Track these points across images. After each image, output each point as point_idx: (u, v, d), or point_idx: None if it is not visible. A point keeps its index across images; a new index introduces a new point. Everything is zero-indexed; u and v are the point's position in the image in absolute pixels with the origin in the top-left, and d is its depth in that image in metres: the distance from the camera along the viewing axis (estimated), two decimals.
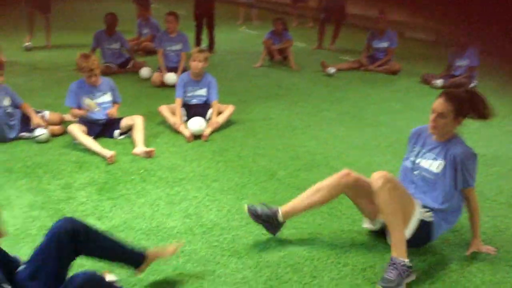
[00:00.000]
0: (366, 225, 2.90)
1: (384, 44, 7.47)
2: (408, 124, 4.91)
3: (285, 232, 2.90)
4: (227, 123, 4.81)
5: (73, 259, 2.11)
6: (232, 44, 9.40)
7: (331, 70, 7.12)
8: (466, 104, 2.56)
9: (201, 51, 4.80)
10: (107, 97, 4.40)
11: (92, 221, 2.99)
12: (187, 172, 3.78)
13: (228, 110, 4.81)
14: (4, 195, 3.33)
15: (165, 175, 3.71)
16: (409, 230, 2.60)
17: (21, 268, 2.00)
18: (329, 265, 2.63)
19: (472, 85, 6.41)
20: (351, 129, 4.90)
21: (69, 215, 2.99)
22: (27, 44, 8.17)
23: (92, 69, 4.20)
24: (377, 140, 4.61)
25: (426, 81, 6.75)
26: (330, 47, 9.27)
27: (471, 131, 2.68)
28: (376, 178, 2.52)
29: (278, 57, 7.78)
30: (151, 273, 2.50)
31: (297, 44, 8.95)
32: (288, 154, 4.21)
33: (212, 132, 4.56)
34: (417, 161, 2.75)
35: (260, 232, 2.90)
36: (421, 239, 2.69)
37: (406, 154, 2.86)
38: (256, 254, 2.72)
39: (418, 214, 2.61)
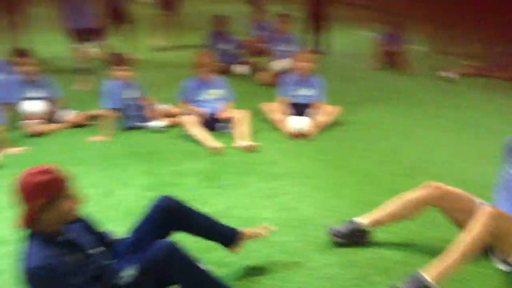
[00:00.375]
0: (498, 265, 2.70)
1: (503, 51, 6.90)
2: None
3: (379, 235, 2.86)
4: (332, 124, 4.84)
5: (168, 233, 2.31)
6: (346, 46, 9.35)
7: (449, 74, 6.76)
8: None
9: (308, 51, 4.89)
10: (218, 94, 4.68)
11: (194, 205, 3.23)
12: (286, 168, 3.89)
13: (334, 111, 4.83)
14: (124, 175, 3.74)
15: (265, 169, 3.87)
16: None
17: (121, 238, 2.27)
18: None
19: None
20: (464, 137, 4.63)
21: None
22: (158, 44, 8.93)
23: (204, 65, 4.50)
24: (491, 151, 4.29)
25: None
26: (449, 50, 8.77)
27: None
28: (483, 213, 2.29)
29: (392, 59, 7.58)
30: (243, 258, 2.64)
31: (416, 47, 8.61)
32: (390, 158, 4.11)
33: (316, 131, 4.61)
34: None
35: None
36: None
37: (503, 164, 2.65)
38: (346, 252, 2.73)
39: None
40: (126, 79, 4.64)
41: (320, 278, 2.51)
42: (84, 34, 5.87)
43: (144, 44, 8.95)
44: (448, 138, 4.61)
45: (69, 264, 1.81)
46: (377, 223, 2.76)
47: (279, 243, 2.83)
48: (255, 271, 2.56)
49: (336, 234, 2.78)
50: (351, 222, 2.79)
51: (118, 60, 4.62)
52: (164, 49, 8.86)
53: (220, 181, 3.65)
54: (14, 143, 4.31)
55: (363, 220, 2.76)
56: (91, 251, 1.99)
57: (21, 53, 4.64)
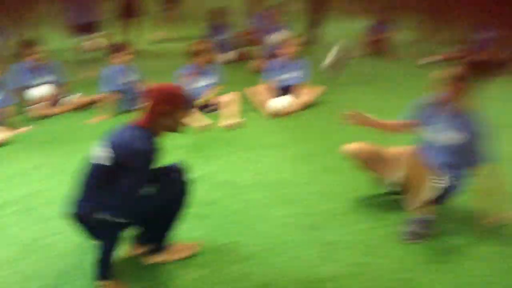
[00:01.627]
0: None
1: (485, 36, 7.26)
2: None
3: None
4: (314, 103, 5.25)
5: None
6: (340, 36, 9.73)
7: (429, 60, 7.16)
8: None
9: (295, 37, 5.27)
10: (210, 81, 5.09)
11: None
12: (265, 141, 4.33)
13: (316, 92, 5.23)
14: None
15: (247, 142, 4.31)
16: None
17: None
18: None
19: None
20: None
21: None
22: (160, 35, 9.44)
23: (199, 54, 4.90)
24: None
25: None
26: (434, 38, 9.12)
27: None
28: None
29: (378, 47, 7.98)
30: (218, 210, 3.08)
31: (403, 36, 8.98)
32: (362, 131, 4.49)
33: (297, 110, 5.03)
34: None
35: (316, 190, 3.35)
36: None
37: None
38: (304, 205, 3.18)
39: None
40: (125, 64, 5.06)
41: (277, 225, 2.96)
42: (86, 28, 6.34)
43: (147, 35, 9.42)
44: None
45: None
46: None
47: (248, 200, 3.28)
48: (223, 219, 3.01)
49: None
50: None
51: (117, 47, 5.05)
52: (165, 40, 9.33)
53: (205, 152, 4.10)
54: (20, 124, 4.77)
55: None
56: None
57: (28, 43, 5.10)
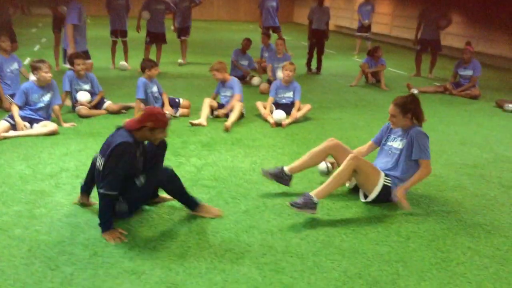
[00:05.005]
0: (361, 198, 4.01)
1: (469, 72, 8.28)
2: (457, 132, 5.99)
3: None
4: (304, 118, 6.33)
5: None
6: (338, 69, 10.90)
7: (415, 90, 8.18)
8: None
9: (291, 63, 6.42)
10: (229, 92, 6.25)
11: (194, 159, 4.74)
12: (263, 142, 5.38)
13: (306, 108, 6.32)
14: None
15: (247, 142, 5.36)
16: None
17: None
18: None
19: None
20: None
21: (182, 155, 4.80)
22: (180, 61, 10.76)
23: (217, 69, 6.10)
24: None
25: (499, 105, 7.45)
26: (428, 75, 10.19)
27: None
28: (348, 157, 3.67)
29: (372, 79, 9.07)
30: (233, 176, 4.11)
31: (397, 71, 10.07)
32: (342, 140, 5.53)
33: (291, 122, 6.10)
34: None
35: (298, 175, 4.36)
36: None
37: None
38: (286, 188, 4.18)
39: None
40: (152, 78, 6.20)
41: (269, 196, 3.97)
42: None
43: (169, 62, 10.72)
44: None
45: (135, 156, 3.28)
46: (295, 169, 4.07)
47: (248, 179, 4.30)
48: (227, 189, 4.05)
49: (266, 174, 4.10)
50: (279, 167, 4.11)
51: (149, 64, 6.20)
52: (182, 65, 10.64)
53: (214, 148, 5.15)
54: (67, 120, 5.87)
55: (286, 167, 4.09)
56: (141, 158, 3.44)
57: (80, 55, 6.30)
